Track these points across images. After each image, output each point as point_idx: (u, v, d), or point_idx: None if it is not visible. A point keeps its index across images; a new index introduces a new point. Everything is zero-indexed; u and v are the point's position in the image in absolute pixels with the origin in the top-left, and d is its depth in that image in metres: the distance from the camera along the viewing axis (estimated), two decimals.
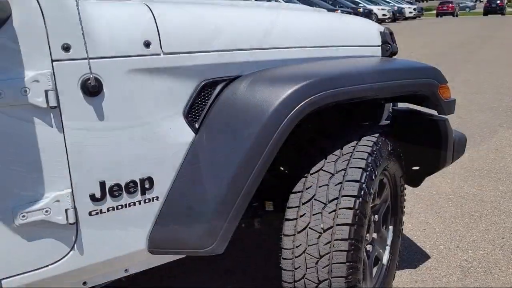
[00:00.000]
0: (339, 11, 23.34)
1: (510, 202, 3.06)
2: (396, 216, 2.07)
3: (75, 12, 1.24)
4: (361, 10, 25.88)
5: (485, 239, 2.60)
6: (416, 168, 2.17)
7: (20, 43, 1.18)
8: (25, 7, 1.17)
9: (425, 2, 75.35)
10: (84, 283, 1.50)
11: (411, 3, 42.21)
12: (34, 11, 1.18)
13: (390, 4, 34.16)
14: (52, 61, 1.22)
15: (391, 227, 2.07)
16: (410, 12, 34.58)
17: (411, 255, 2.45)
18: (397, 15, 31.15)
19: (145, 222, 1.48)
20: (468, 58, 10.46)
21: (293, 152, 1.86)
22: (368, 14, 24.71)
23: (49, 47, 1.21)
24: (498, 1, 40.76)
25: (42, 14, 1.19)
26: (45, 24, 1.20)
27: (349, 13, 23.64)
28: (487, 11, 38.94)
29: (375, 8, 28.26)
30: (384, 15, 27.44)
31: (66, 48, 1.24)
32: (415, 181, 2.19)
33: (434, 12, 42.51)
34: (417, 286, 2.19)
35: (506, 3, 45.29)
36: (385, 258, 2.02)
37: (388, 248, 2.04)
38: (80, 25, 1.24)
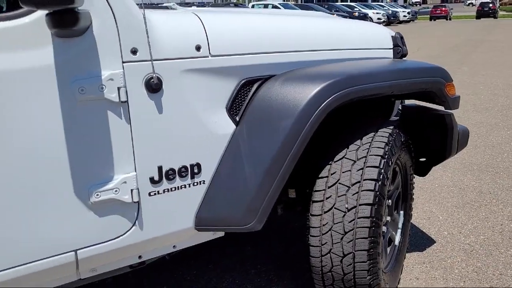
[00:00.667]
0: (335, 15, 23.68)
1: (507, 193, 3.29)
2: (406, 202, 2.30)
3: (142, 21, 1.46)
4: (356, 14, 26.26)
5: (485, 226, 2.84)
6: (423, 159, 2.41)
7: (98, 47, 1.40)
8: (102, 17, 1.39)
9: (418, 6, 75.95)
10: (140, 256, 1.71)
11: (405, 7, 42.62)
12: (109, 20, 1.40)
13: (385, 8, 34.56)
14: (123, 62, 1.44)
15: (402, 212, 2.29)
16: (405, 16, 35.01)
17: (418, 240, 2.67)
18: (392, 18, 31.56)
19: (193, 202, 1.69)
20: (462, 61, 10.75)
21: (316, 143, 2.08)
22: (363, 18, 25.03)
23: (121, 50, 1.43)
24: (491, 5, 41.29)
25: (116, 23, 1.41)
26: (118, 31, 1.42)
27: (345, 17, 23.98)
28: (480, 15, 39.42)
29: (370, 12, 28.64)
30: (379, 18, 27.82)
31: (134, 51, 1.46)
32: (423, 171, 2.42)
33: (428, 15, 42.97)
34: (425, 267, 2.41)
35: (498, 7, 45.88)
36: (397, 240, 2.24)
37: (399, 231, 2.27)
38: (146, 32, 1.46)
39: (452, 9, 45.87)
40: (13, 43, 1.28)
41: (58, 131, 1.37)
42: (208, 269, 2.42)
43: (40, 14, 1.30)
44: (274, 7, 20.01)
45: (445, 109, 2.12)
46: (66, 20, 1.27)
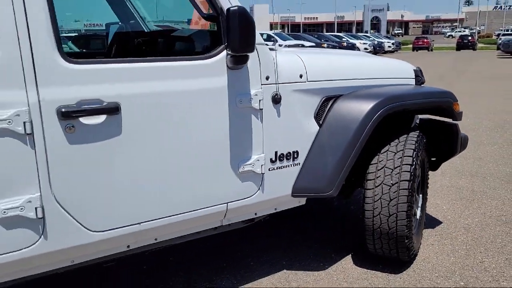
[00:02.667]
0: (325, 45, 24.97)
1: (493, 191, 4.19)
2: (424, 188, 3.18)
3: (272, 60, 2.34)
4: (345, 44, 27.63)
5: (478, 212, 3.73)
6: (434, 159, 3.31)
7: (249, 76, 2.27)
8: (254, 58, 2.26)
9: (400, 36, 78.70)
10: (255, 213, 2.56)
11: (389, 38, 44.45)
12: (256, 59, 2.28)
13: (370, 38, 36.19)
14: (262, 84, 2.32)
15: (421, 195, 3.17)
16: (389, 46, 36.68)
17: (430, 221, 3.53)
18: (377, 48, 33.09)
19: (292, 177, 2.55)
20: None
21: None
22: (351, 48, 26.41)
23: (261, 78, 2.31)
24: (470, 37, 43.35)
25: (259, 61, 2.29)
26: (260, 66, 2.30)
27: (334, 47, 25.29)
28: (460, 47, 41.33)
29: (357, 42, 30.10)
30: (365, 48, 29.24)
31: (267, 78, 2.34)
32: (434, 167, 3.33)
33: (410, 46, 44.83)
34: (437, 238, 3.27)
35: (477, 39, 48.08)
36: (418, 214, 3.11)
37: (419, 208, 3.13)
38: (275, 67, 2.35)
39: (433, 40, 47.94)
40: (210, 72, 2.16)
41: (227, 124, 2.23)
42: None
43: (223, 55, 2.17)
44: (269, 36, 21.11)
45: (452, 120, 3.04)
46: (241, 60, 2.15)
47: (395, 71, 3.09)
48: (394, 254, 2.77)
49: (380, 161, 2.71)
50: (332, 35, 32.36)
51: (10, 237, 1.80)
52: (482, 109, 8.64)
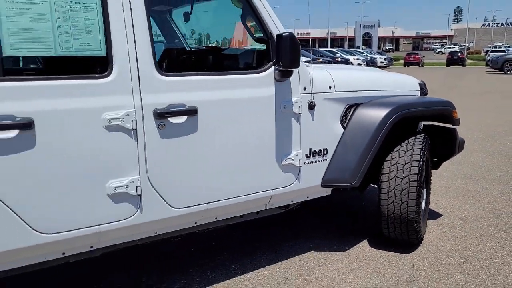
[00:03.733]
0: (321, 59, 25.71)
1: (486, 191, 4.76)
2: (427, 183, 3.73)
3: (309, 74, 2.90)
4: (339, 59, 28.40)
5: (473, 207, 4.29)
6: (435, 159, 3.88)
7: (291, 86, 2.83)
8: (295, 73, 2.81)
9: (391, 52, 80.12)
10: (292, 200, 3.09)
11: (381, 54, 45.45)
12: (296, 73, 2.84)
13: (363, 54, 37.09)
14: (300, 94, 2.88)
15: (425, 189, 3.71)
16: (382, 62, 37.57)
17: (432, 214, 4.08)
18: (370, 64, 33.92)
19: (322, 170, 3.10)
20: None
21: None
22: (346, 63, 27.18)
23: (299, 88, 2.87)
24: (459, 54, 44.49)
25: (299, 75, 2.85)
26: (299, 79, 2.86)
27: (329, 62, 26.07)
28: (449, 63, 42.39)
29: (351, 58, 30.91)
30: (359, 64, 30.04)
31: (305, 88, 2.90)
32: (436, 166, 3.89)
33: (402, 61, 45.83)
34: (438, 227, 3.82)
35: (466, 55, 49.25)
36: (423, 205, 3.65)
37: (424, 200, 3.68)
38: (311, 80, 2.91)
39: (424, 56, 49.04)
40: (261, 83, 2.71)
41: (274, 125, 2.77)
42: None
43: (272, 70, 2.72)
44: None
45: (452, 126, 3.61)
46: (287, 74, 2.71)
47: (403, 84, 3.67)
48: (405, 236, 3.31)
49: (393, 158, 3.26)
50: (326, 50, 33.18)
51: (118, 208, 2.32)
52: (473, 122, 9.26)
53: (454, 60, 42.47)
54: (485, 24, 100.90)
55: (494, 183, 5.04)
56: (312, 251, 3.39)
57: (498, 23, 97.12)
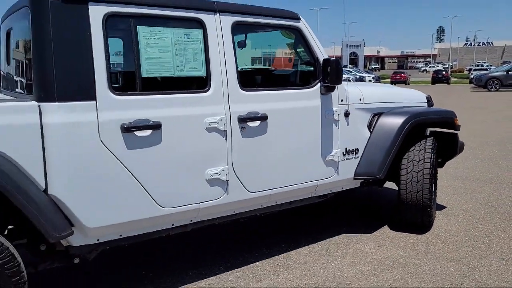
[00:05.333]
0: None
1: (481, 189, 5.57)
2: (435, 179, 4.52)
3: (344, 89, 3.71)
4: (355, 77, 29.57)
5: (471, 201, 5.09)
6: (440, 160, 4.69)
7: (332, 99, 3.63)
8: (336, 89, 3.62)
9: (377, 71, 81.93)
10: (330, 190, 3.87)
11: (369, 72, 46.80)
12: (336, 89, 3.64)
13: (352, 73, 38.32)
14: (338, 104, 3.67)
15: (433, 184, 4.51)
16: (370, 80, 38.76)
17: (436, 207, 4.85)
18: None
19: (354, 165, 3.87)
20: None
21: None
22: (361, 80, 28.35)
23: (338, 100, 3.67)
24: (444, 72, 45.96)
25: (338, 90, 3.65)
26: (338, 93, 3.66)
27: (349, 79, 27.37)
28: (435, 81, 43.76)
29: (366, 75, 32.09)
30: (370, 80, 31.21)
31: (342, 100, 3.70)
32: (441, 165, 4.70)
33: (388, 80, 47.15)
34: (444, 215, 4.60)
35: (451, 74, 50.82)
36: (434, 194, 4.44)
37: (434, 191, 4.47)
38: (347, 93, 3.72)
39: (410, 75, 50.51)
40: (311, 96, 3.50)
41: (320, 129, 3.55)
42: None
43: (318, 86, 3.52)
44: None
45: (454, 131, 4.44)
46: (331, 89, 3.52)
47: (414, 97, 4.50)
48: (420, 220, 4.08)
49: (409, 156, 4.06)
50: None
51: (212, 190, 3.07)
52: (463, 134, 10.08)
53: (439, 78, 43.83)
54: (467, 43, 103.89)
55: (487, 183, 5.87)
56: (344, 234, 4.15)
57: (479, 42, 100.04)
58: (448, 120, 4.37)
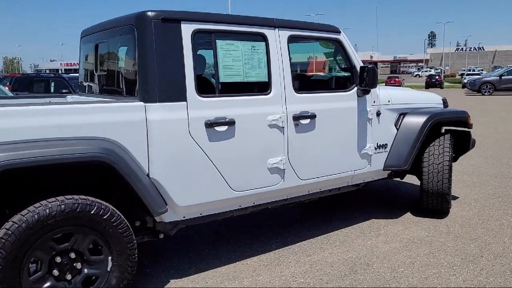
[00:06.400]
0: None
1: (486, 182, 6.17)
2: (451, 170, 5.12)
3: (376, 91, 4.30)
4: None
5: (480, 192, 5.68)
6: (454, 155, 5.29)
7: (366, 101, 4.21)
8: (369, 93, 4.20)
9: None
10: (363, 180, 4.45)
11: None
12: (369, 92, 4.22)
13: None
14: (371, 105, 4.26)
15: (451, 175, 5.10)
16: None
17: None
18: None
19: (383, 158, 4.46)
20: None
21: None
22: None
23: (371, 101, 4.25)
24: (437, 77, 46.89)
25: (371, 94, 4.24)
26: (371, 96, 4.24)
27: None
28: (428, 85, 44.62)
29: None
30: None
31: (374, 101, 4.29)
32: (455, 159, 5.29)
33: (383, 84, 47.91)
34: (457, 203, 5.19)
35: (444, 79, 51.76)
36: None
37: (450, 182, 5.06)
38: (378, 95, 4.31)
39: (404, 79, 51.44)
40: (349, 98, 4.08)
41: (357, 126, 4.14)
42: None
43: (355, 89, 4.11)
44: None
45: (467, 129, 5.04)
46: (367, 92, 4.11)
47: (432, 99, 5.10)
48: (439, 206, 4.67)
49: (430, 151, 4.65)
50: None
51: (272, 177, 3.64)
52: None
53: (432, 82, 44.72)
54: (459, 48, 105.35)
55: (492, 177, 6.48)
56: (373, 219, 4.73)
57: (470, 48, 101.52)
58: (462, 119, 4.97)
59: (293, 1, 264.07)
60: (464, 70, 65.00)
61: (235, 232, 4.46)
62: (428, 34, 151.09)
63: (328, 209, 5.12)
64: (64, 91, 13.44)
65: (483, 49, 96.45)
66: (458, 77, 65.07)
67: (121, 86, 3.48)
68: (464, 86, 35.75)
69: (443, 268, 3.57)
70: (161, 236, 3.41)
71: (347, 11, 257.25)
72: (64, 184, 2.89)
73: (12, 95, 9.88)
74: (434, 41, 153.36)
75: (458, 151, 5.27)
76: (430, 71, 73.99)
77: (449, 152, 4.60)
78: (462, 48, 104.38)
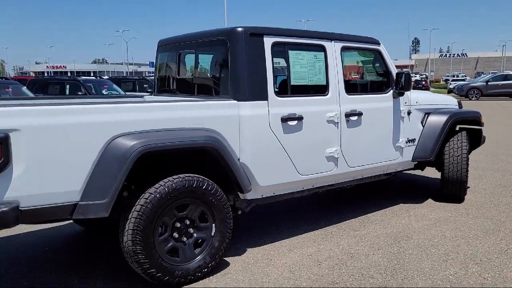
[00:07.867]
0: None
1: (491, 175, 6.97)
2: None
3: (408, 94, 5.07)
4: None
5: (486, 183, 6.49)
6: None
7: (400, 102, 4.98)
8: (401, 98, 4.98)
9: None
10: (395, 169, 5.21)
11: None
12: (401, 96, 4.99)
13: None
14: (404, 105, 5.03)
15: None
16: None
17: None
18: None
19: (412, 151, 5.23)
20: None
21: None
22: None
23: (403, 102, 5.03)
24: (424, 82, 48.14)
25: (403, 96, 5.01)
26: (404, 96, 5.02)
27: None
28: None
29: None
30: None
31: (405, 102, 5.06)
32: (468, 153, 6.09)
33: None
34: (471, 193, 5.98)
35: (430, 84, 53.08)
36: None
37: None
38: (409, 98, 5.08)
39: None
40: (386, 99, 4.85)
41: (392, 123, 4.90)
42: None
43: (391, 91, 4.87)
44: None
45: (479, 127, 5.84)
46: (401, 94, 4.88)
47: (449, 101, 5.90)
48: (458, 193, 5.45)
49: (450, 145, 5.43)
50: None
51: (328, 165, 4.37)
52: None
53: (419, 88, 45.78)
54: (442, 54, 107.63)
55: (495, 171, 7.30)
56: (401, 204, 5.49)
57: (454, 54, 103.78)
58: (476, 118, 5.77)
59: (282, 8, 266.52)
60: (448, 76, 66.57)
61: (284, 215, 5.18)
62: (412, 40, 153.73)
63: (360, 198, 5.87)
64: (79, 93, 14.04)
65: (467, 56, 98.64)
66: (442, 82, 66.56)
67: (211, 88, 4.19)
68: (450, 91, 36.91)
69: (470, 239, 4.34)
70: (239, 212, 4.10)
71: (332, 17, 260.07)
72: (174, 166, 3.58)
73: (33, 96, 10.44)
74: (418, 47, 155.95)
75: (471, 146, 6.06)
76: (415, 76, 75.53)
77: (466, 146, 5.39)
78: (446, 54, 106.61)
